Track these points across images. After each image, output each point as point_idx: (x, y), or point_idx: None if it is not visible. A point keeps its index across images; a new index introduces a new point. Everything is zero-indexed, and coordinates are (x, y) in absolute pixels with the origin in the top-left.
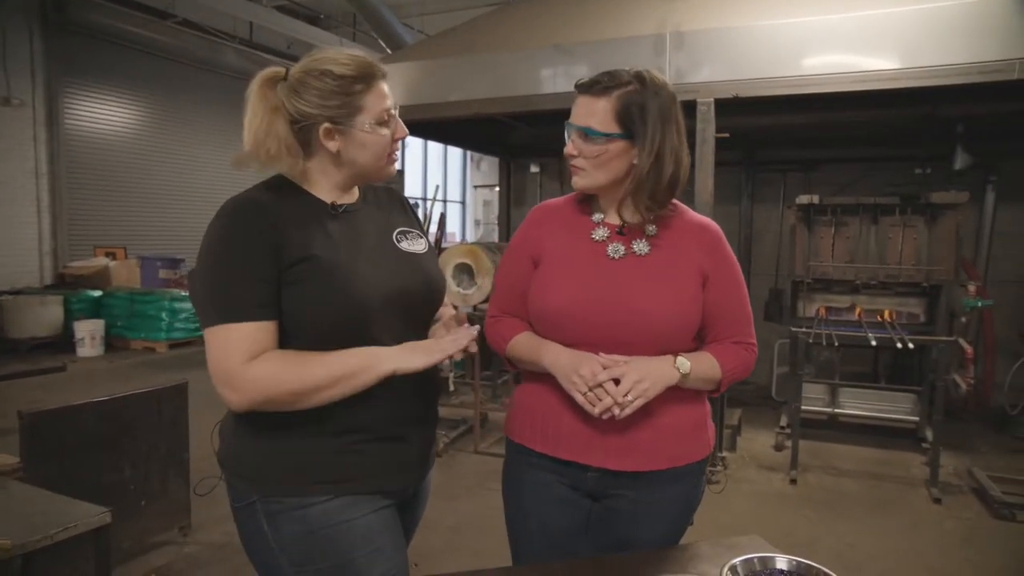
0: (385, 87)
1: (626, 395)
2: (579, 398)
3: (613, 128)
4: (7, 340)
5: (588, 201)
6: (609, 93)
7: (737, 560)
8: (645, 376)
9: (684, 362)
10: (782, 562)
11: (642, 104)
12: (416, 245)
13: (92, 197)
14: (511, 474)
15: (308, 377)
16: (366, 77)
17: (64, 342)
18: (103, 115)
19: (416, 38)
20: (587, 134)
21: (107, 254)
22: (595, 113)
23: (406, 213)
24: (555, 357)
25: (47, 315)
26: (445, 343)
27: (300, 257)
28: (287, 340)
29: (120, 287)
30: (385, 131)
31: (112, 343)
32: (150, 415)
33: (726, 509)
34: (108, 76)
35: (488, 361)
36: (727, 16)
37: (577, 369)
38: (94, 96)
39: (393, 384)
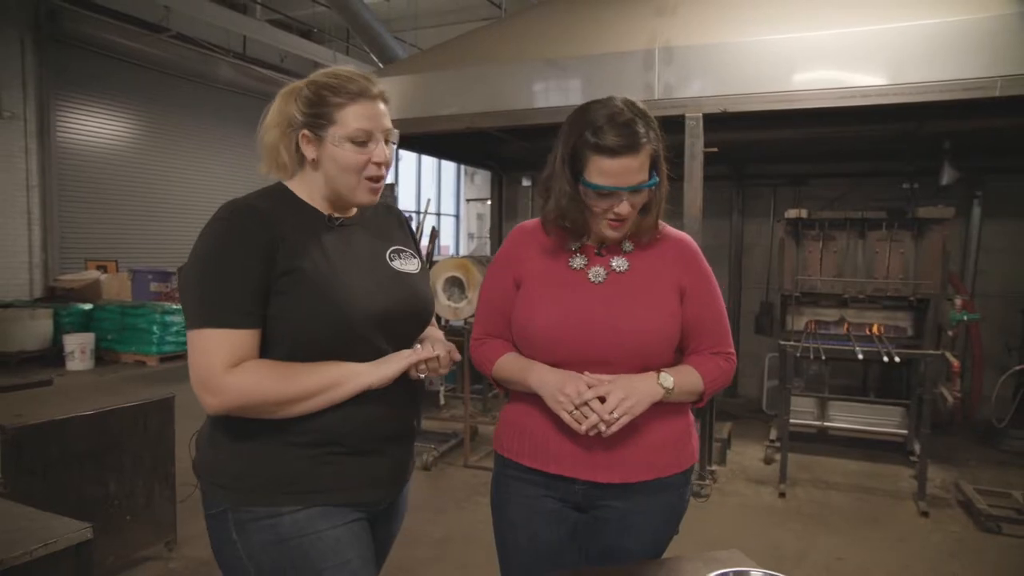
0: (374, 109)
1: (612, 412)
2: (566, 417)
3: (648, 176)
4: None
5: (574, 239)
6: (644, 146)
7: (714, 575)
8: (630, 394)
9: (667, 378)
10: None
11: (658, 145)
12: (408, 265)
13: (84, 210)
14: (500, 487)
15: (286, 388)
16: (350, 92)
17: (54, 356)
18: (95, 128)
19: (409, 52)
20: (639, 190)
21: (98, 267)
22: (641, 168)
23: (403, 231)
24: (540, 377)
25: (37, 328)
26: (405, 352)
27: (290, 268)
28: (268, 348)
29: (111, 300)
30: (356, 150)
31: (102, 356)
32: (136, 429)
33: (715, 523)
34: (101, 89)
35: (478, 375)
36: (716, 32)
37: (562, 388)
38: (86, 109)
39: (368, 398)
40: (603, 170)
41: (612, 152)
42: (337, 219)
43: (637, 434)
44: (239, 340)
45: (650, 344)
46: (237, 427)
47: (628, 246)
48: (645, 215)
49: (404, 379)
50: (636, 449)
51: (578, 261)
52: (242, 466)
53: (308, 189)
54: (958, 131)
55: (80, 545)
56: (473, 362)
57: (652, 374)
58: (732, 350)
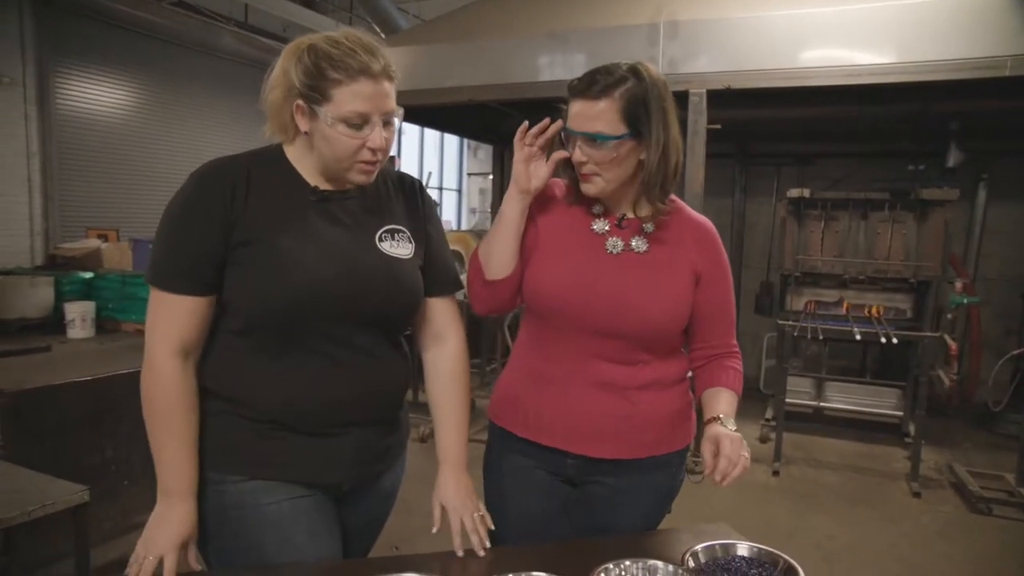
0: (375, 89)
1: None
2: (524, 151)
3: (621, 129)
4: None
5: (578, 192)
6: (610, 93)
7: (699, 546)
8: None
9: (729, 420)
10: (743, 549)
11: (644, 100)
12: (399, 248)
13: (84, 178)
14: (493, 457)
15: (151, 425)
16: (349, 69)
17: (54, 324)
18: (96, 96)
19: (412, 23)
20: (595, 139)
21: (99, 236)
22: (599, 116)
23: (410, 206)
24: (506, 196)
25: (37, 296)
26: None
27: (248, 239)
28: (225, 317)
29: (112, 269)
30: (349, 133)
31: (103, 325)
32: (132, 396)
33: (707, 500)
34: (101, 56)
35: (477, 349)
36: (722, 7)
37: (516, 151)
38: (87, 76)
39: (334, 382)
40: (569, 112)
41: (572, 92)
42: (322, 192)
43: (634, 408)
44: (182, 311)
45: (659, 325)
46: (199, 396)
47: (649, 226)
48: (639, 180)
49: (383, 365)
50: (631, 426)
51: (599, 225)
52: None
53: (301, 158)
54: (966, 112)
55: (78, 507)
56: (468, 276)
57: (718, 426)
58: (737, 344)
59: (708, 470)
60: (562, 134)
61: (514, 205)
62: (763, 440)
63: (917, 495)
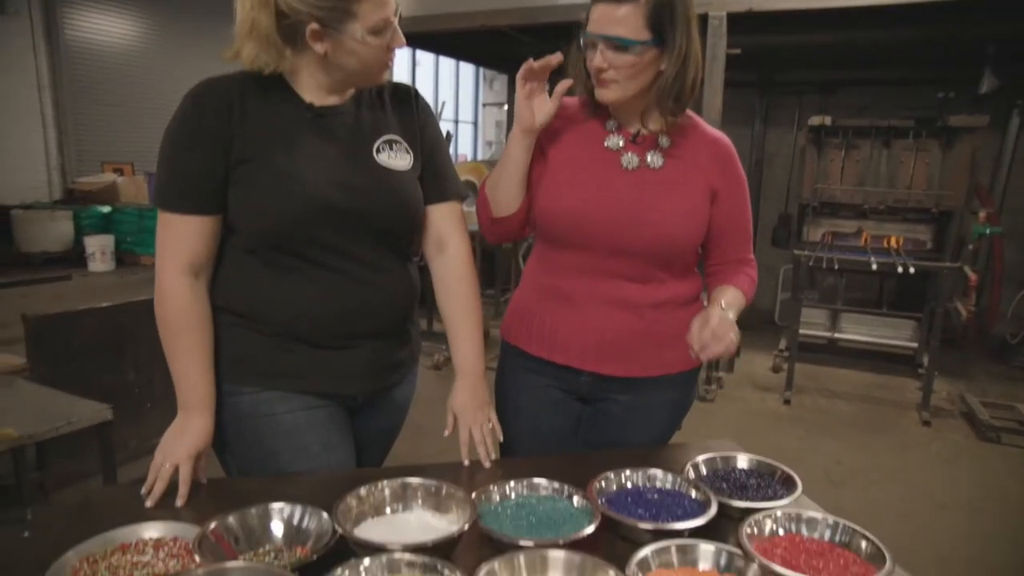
0: None
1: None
2: (525, 90)
3: (645, 35)
4: (20, 255)
5: (600, 106)
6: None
7: (700, 457)
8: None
9: (731, 308)
10: (743, 461)
11: (671, 5)
12: (398, 160)
13: (97, 112)
14: (505, 375)
15: (166, 342)
16: None
17: (75, 257)
18: (105, 27)
19: None
20: (619, 44)
21: (114, 170)
22: (623, 20)
23: (406, 115)
24: (511, 135)
25: (57, 230)
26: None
27: (246, 157)
28: (231, 235)
29: (128, 203)
30: (378, 41)
31: (123, 259)
32: (150, 322)
33: (717, 426)
34: None
35: (491, 279)
36: None
37: (518, 90)
38: (95, 6)
39: (346, 295)
40: (590, 17)
41: None
42: (318, 109)
43: (647, 327)
44: (188, 232)
45: (675, 241)
46: (212, 308)
47: (665, 141)
48: (658, 92)
49: (390, 277)
50: (645, 344)
51: (613, 141)
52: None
53: (301, 77)
54: (1004, 34)
55: (102, 425)
56: (477, 208)
57: (718, 308)
58: (753, 256)
59: (691, 341)
60: (581, 39)
61: (518, 143)
62: (775, 370)
63: (927, 424)
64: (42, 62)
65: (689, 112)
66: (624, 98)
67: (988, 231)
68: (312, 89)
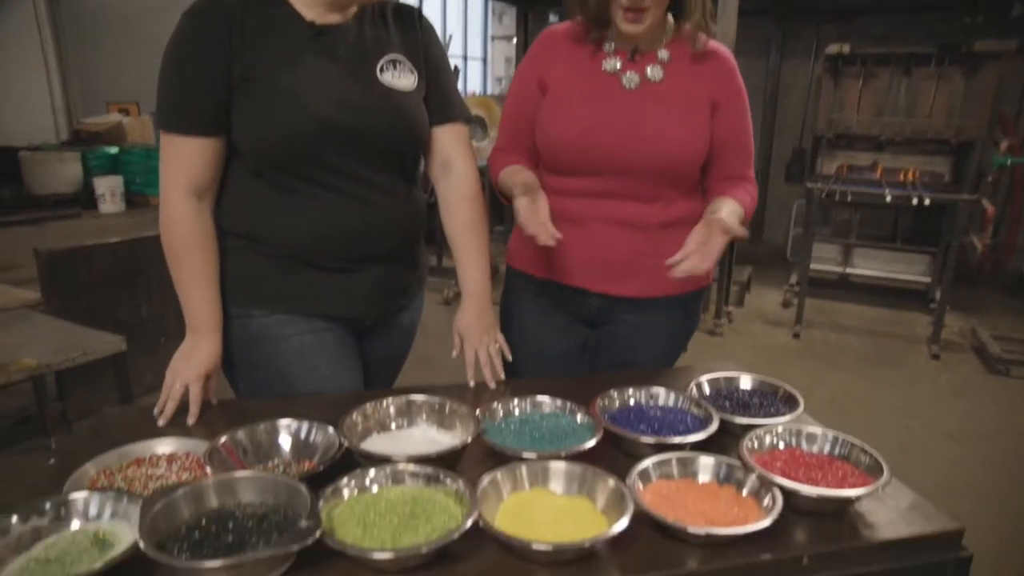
0: None
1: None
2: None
3: None
4: (31, 196)
5: (596, 29)
6: None
7: (704, 377)
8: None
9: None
10: (746, 381)
11: None
12: (401, 80)
13: (99, 52)
14: (511, 300)
15: (172, 265)
16: None
17: (86, 198)
18: None
19: None
20: None
21: (120, 110)
22: None
23: (409, 36)
24: (516, 207)
25: (66, 171)
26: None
27: (247, 76)
28: (235, 159)
29: (135, 143)
30: None
31: (132, 200)
32: (161, 258)
33: (726, 360)
34: None
35: (500, 216)
36: None
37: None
38: None
39: (351, 217)
40: None
41: None
42: (320, 27)
43: (655, 247)
44: (191, 153)
45: (678, 157)
46: (218, 233)
47: (664, 54)
48: (683, 19)
49: (395, 200)
50: (653, 264)
51: (611, 63)
52: (223, 271)
53: None
54: None
55: (117, 356)
56: (490, 168)
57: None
58: (753, 175)
59: (681, 254)
60: None
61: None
62: (785, 305)
63: (936, 357)
64: (40, 3)
65: (687, 24)
66: (652, 26)
67: (1009, 162)
68: (312, 6)
